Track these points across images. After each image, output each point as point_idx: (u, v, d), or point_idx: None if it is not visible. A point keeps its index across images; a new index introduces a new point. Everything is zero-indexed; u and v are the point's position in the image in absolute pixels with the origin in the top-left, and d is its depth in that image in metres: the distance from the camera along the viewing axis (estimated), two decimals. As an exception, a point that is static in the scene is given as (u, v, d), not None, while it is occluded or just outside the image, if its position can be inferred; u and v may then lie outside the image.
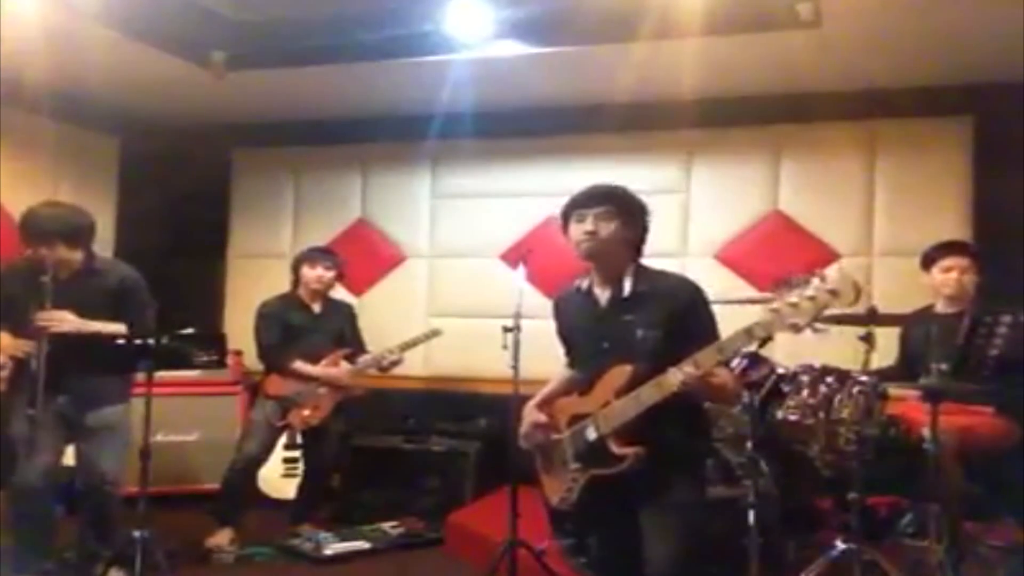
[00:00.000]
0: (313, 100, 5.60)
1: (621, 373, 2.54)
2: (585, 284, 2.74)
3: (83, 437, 3.70)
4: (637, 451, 2.48)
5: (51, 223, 3.59)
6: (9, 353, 3.55)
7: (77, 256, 3.66)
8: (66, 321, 3.50)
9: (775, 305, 2.28)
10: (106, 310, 3.62)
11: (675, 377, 2.39)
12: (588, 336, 2.72)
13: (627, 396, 2.50)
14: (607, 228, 2.60)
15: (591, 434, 2.58)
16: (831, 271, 2.26)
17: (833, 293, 2.20)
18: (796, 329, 2.26)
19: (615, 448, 2.51)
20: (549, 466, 2.79)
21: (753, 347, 2.43)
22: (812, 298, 2.22)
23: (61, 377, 3.48)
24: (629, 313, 2.59)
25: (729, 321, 2.54)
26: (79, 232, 3.66)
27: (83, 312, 3.56)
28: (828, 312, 2.26)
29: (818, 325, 2.35)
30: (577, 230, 2.64)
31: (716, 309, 2.65)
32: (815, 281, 2.22)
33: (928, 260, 3.99)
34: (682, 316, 2.55)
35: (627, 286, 2.62)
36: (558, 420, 2.75)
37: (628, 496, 2.55)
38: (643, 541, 2.52)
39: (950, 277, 3.89)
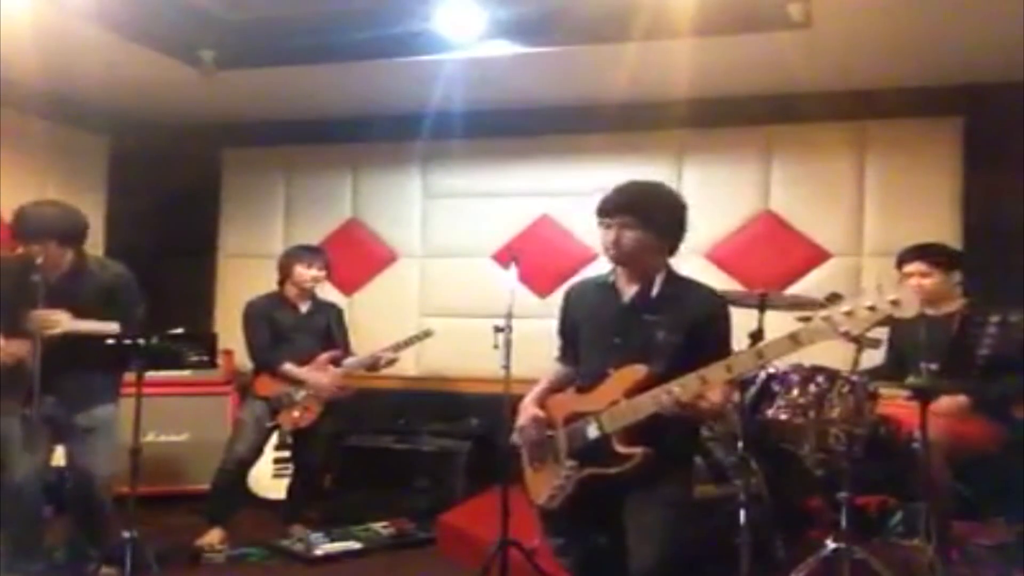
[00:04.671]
0: (304, 99, 5.58)
1: (635, 372, 2.51)
2: (611, 278, 2.72)
3: (72, 438, 3.68)
4: (647, 452, 2.44)
5: (43, 222, 3.55)
6: (6, 358, 3.49)
7: (68, 256, 3.63)
8: (62, 323, 3.45)
9: (826, 312, 2.21)
10: (97, 308, 3.59)
11: (682, 391, 2.36)
12: (601, 330, 2.68)
13: (644, 396, 2.45)
14: (628, 237, 2.59)
15: (592, 432, 2.54)
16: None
17: (895, 303, 2.13)
18: (848, 338, 2.21)
19: (620, 448, 2.48)
20: (537, 463, 2.75)
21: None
22: (871, 308, 2.15)
23: (50, 377, 3.45)
24: (654, 314, 2.57)
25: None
26: (72, 232, 3.63)
27: (75, 311, 3.52)
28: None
29: (871, 335, 2.27)
30: (604, 237, 2.65)
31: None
32: (873, 291, 2.16)
33: (899, 262, 3.99)
34: (703, 325, 2.54)
35: (656, 287, 2.61)
36: (553, 416, 2.72)
37: (615, 497, 2.53)
38: (629, 539, 2.51)
39: (911, 282, 3.89)
